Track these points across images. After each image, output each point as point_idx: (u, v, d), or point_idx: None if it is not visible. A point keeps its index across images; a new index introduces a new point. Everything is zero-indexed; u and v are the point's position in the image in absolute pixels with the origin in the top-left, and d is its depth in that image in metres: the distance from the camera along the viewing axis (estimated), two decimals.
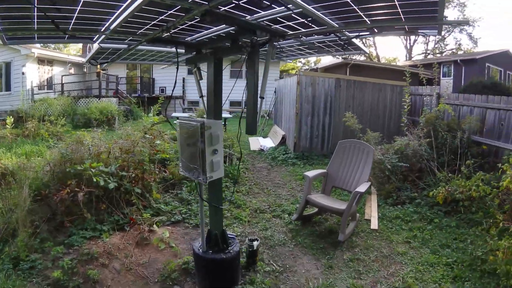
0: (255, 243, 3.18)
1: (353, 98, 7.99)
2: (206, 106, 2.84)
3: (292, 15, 2.21)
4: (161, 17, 2.24)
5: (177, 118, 2.81)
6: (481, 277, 2.95)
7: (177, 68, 2.56)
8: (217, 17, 2.05)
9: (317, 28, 2.40)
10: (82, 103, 13.73)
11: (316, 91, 7.76)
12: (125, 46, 2.80)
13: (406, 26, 2.10)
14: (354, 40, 2.79)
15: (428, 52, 28.52)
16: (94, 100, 13.91)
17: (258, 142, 9.69)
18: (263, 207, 4.82)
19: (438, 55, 26.31)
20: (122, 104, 15.17)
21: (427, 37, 24.94)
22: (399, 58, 33.49)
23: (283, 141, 9.35)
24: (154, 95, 17.60)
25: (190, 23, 2.29)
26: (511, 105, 4.66)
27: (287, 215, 4.52)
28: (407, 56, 29.63)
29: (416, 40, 28.44)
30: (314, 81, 7.74)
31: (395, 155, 5.21)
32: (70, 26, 2.26)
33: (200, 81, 3.01)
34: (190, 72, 18.00)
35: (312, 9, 2.06)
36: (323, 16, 2.16)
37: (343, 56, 15.03)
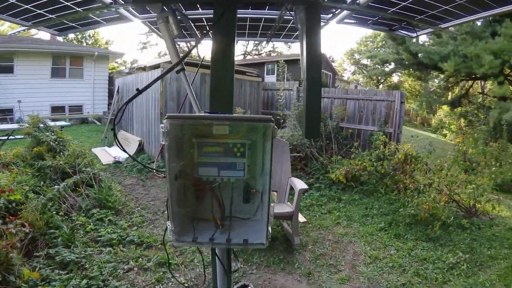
0: None
1: None
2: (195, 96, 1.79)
3: None
4: None
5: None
6: (410, 228, 3.89)
7: None
8: None
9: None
10: None
11: (181, 86, 7.05)
12: None
13: (400, 24, 2.22)
14: None
15: (247, 53, 31.99)
16: None
17: (108, 154, 7.77)
18: None
19: (256, 56, 30.14)
20: None
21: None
22: None
23: (140, 148, 8.03)
24: None
25: None
26: (368, 95, 6.24)
27: None
28: None
29: (237, 42, 31.22)
30: (179, 76, 6.96)
31: None
32: None
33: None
34: None
35: None
36: None
37: None
